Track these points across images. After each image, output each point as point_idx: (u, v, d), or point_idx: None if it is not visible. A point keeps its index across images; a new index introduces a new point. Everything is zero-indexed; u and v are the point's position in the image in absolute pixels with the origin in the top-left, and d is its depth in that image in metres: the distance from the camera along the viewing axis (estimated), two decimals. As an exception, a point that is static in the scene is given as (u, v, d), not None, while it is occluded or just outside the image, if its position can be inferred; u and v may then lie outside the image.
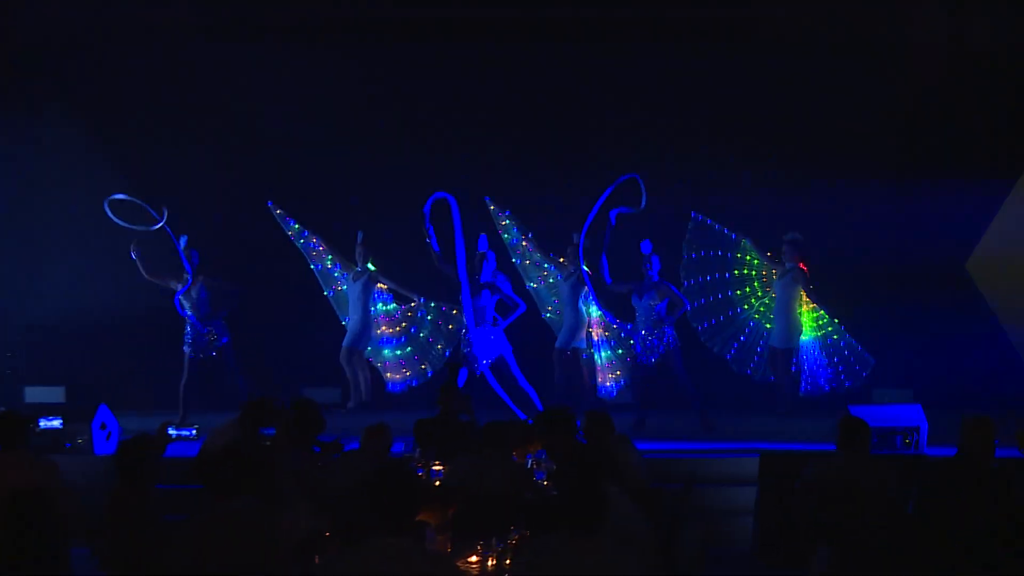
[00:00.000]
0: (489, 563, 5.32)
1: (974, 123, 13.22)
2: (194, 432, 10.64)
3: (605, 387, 11.93)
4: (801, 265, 11.94)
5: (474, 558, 5.35)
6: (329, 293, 12.58)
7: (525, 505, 6.39)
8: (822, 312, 12.00)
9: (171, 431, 7.10)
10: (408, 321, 12.37)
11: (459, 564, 5.10)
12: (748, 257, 12.26)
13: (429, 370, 12.34)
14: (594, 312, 11.90)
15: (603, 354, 11.97)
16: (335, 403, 12.22)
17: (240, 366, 11.97)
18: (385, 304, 12.37)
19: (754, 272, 12.32)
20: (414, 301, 12.28)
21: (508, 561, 5.29)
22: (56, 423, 9.66)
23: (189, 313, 11.76)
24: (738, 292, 12.28)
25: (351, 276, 12.27)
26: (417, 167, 13.35)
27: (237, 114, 13.46)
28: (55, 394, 12.30)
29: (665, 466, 9.24)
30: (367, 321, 12.16)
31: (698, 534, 5.86)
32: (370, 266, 12.15)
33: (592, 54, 13.74)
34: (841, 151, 13.36)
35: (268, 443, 7.15)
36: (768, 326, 12.23)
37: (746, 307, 12.23)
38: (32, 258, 13.69)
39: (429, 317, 12.28)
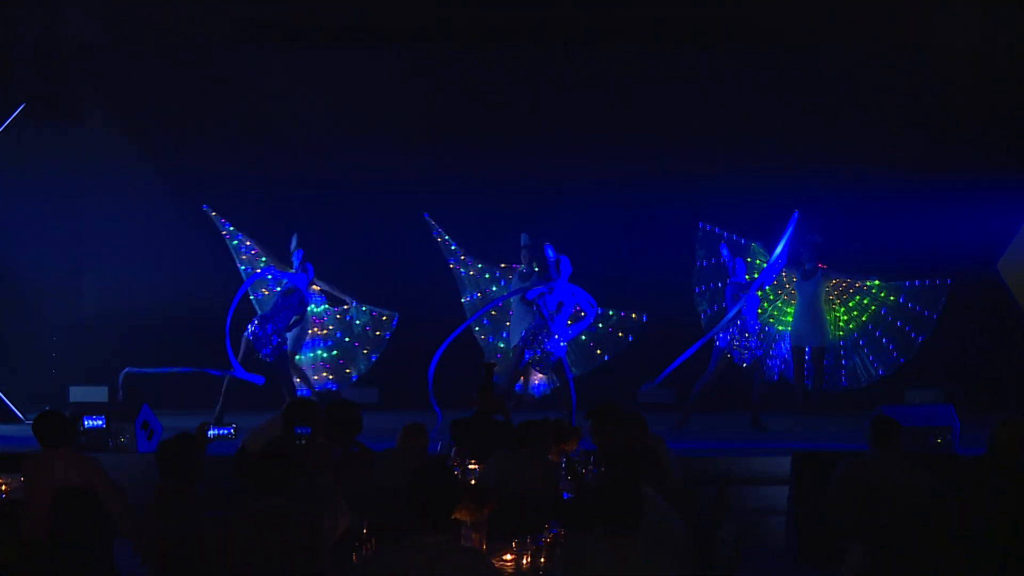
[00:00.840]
0: (524, 561, 5.36)
1: (1006, 122, 13.15)
2: (232, 431, 10.77)
3: (534, 385, 11.89)
4: (821, 265, 11.95)
5: (509, 556, 5.39)
6: (256, 296, 12.39)
7: (563, 503, 6.46)
8: (855, 301, 11.99)
9: (211, 432, 7.23)
10: (336, 324, 12.26)
11: (494, 562, 5.10)
12: (758, 261, 12.26)
13: (354, 374, 12.27)
14: None
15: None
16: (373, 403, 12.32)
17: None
18: (317, 306, 12.25)
19: None
20: (347, 304, 12.19)
21: (543, 559, 5.35)
22: (99, 422, 9.81)
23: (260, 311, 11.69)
24: None
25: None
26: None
27: (276, 117, 13.62)
28: (99, 394, 12.44)
29: (699, 466, 9.29)
30: (304, 323, 11.95)
31: (733, 534, 5.88)
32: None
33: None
34: (870, 151, 13.32)
35: (302, 442, 7.22)
36: (780, 328, 12.22)
37: (759, 311, 12.22)
38: (76, 260, 13.88)
39: (358, 321, 12.18)
